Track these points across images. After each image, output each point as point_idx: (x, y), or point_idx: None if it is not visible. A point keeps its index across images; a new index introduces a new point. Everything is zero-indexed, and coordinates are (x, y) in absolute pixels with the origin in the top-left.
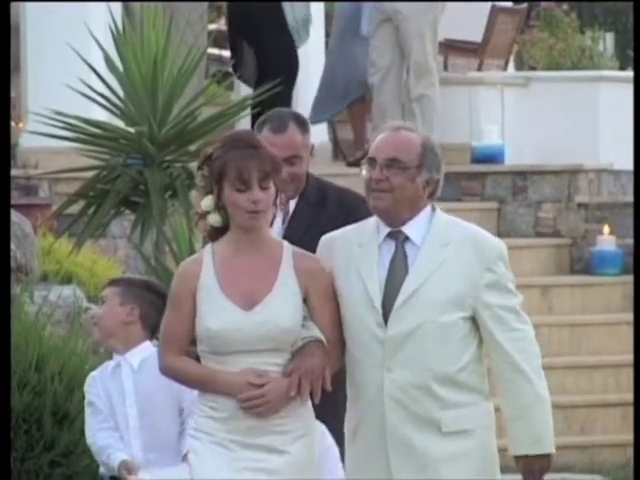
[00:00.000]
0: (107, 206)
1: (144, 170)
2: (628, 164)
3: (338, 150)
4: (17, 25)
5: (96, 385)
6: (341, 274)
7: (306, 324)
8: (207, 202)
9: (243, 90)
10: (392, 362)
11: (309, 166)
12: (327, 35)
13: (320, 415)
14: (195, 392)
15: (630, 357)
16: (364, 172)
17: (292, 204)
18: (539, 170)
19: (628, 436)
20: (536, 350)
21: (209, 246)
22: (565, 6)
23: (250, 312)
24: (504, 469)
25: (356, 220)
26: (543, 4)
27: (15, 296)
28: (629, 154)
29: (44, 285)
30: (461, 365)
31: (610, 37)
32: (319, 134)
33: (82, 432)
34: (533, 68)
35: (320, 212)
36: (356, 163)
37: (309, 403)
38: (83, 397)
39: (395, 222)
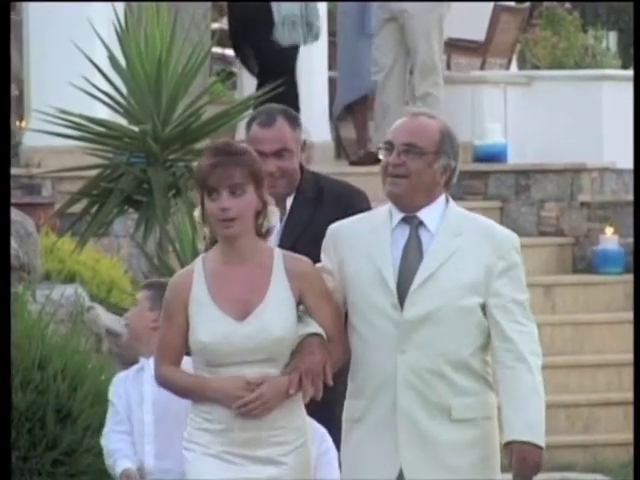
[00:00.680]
0: (110, 205)
1: (147, 169)
2: (631, 163)
3: (341, 149)
4: (20, 22)
5: (120, 385)
6: (350, 260)
7: (304, 319)
8: (196, 213)
9: (247, 89)
10: (406, 344)
11: (310, 164)
12: (330, 34)
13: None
14: None
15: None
16: (381, 156)
17: (289, 201)
18: (542, 169)
19: (631, 435)
20: (539, 350)
21: (201, 257)
22: (568, 5)
23: (243, 323)
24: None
25: (354, 213)
26: (546, 3)
27: (18, 295)
28: (632, 153)
29: (47, 284)
30: (473, 350)
31: (613, 36)
32: (322, 133)
33: (85, 431)
34: (536, 67)
35: (317, 207)
36: (359, 162)
37: (304, 412)
38: (86, 396)
39: (410, 208)
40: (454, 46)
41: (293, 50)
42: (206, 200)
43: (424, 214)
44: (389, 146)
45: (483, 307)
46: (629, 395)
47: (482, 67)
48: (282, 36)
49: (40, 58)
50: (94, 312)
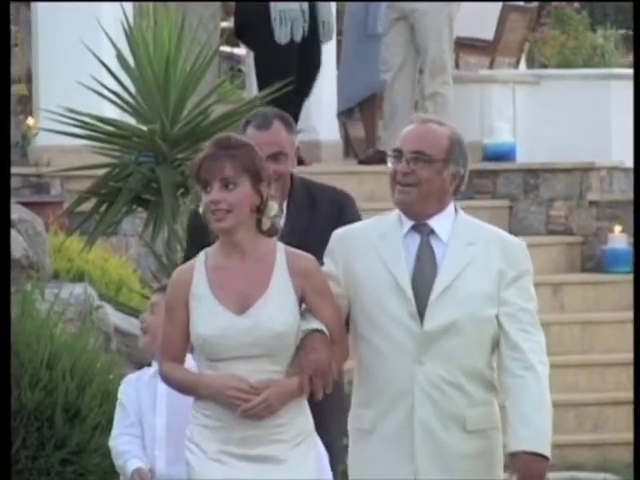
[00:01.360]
0: (119, 204)
1: (156, 168)
2: None
3: (349, 148)
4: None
5: (131, 387)
6: (362, 264)
7: (306, 316)
8: (200, 208)
9: (255, 88)
10: (425, 355)
11: (320, 163)
12: (338, 33)
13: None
14: None
15: None
16: (390, 164)
17: (283, 207)
18: (551, 168)
19: None
20: (546, 359)
21: (203, 252)
22: (576, 4)
23: (242, 316)
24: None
25: (346, 217)
26: (554, 2)
27: (26, 294)
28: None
29: (55, 283)
30: (487, 360)
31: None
32: (331, 132)
33: (94, 430)
34: (544, 66)
35: (312, 214)
36: (367, 161)
37: (307, 409)
38: (94, 395)
39: (421, 216)
40: (463, 45)
41: (288, 47)
42: (202, 193)
43: (435, 222)
44: (398, 154)
45: (497, 317)
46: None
47: (491, 66)
48: (277, 33)
49: (49, 58)
50: (103, 311)
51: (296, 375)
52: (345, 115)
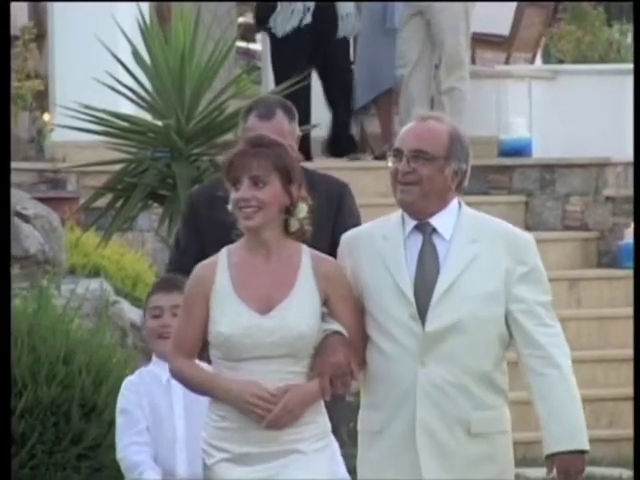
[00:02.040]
0: (135, 199)
1: (172, 163)
2: None
3: (365, 143)
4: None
5: (136, 392)
6: (367, 268)
7: (326, 318)
8: (229, 205)
9: (271, 83)
10: (427, 357)
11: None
12: None
13: None
14: None
15: None
16: (390, 163)
17: None
18: (567, 163)
19: None
20: (568, 350)
21: (225, 249)
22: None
23: (265, 317)
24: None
25: (345, 207)
26: None
27: (43, 289)
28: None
29: (72, 278)
30: (495, 362)
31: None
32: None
33: (110, 425)
34: (561, 61)
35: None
36: (383, 156)
37: (324, 409)
38: (111, 390)
39: (423, 215)
40: (479, 41)
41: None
42: (231, 190)
43: (437, 220)
44: (397, 153)
45: (504, 316)
46: None
47: (507, 61)
48: (275, 25)
49: (64, 54)
50: (119, 306)
51: (315, 378)
52: (361, 110)
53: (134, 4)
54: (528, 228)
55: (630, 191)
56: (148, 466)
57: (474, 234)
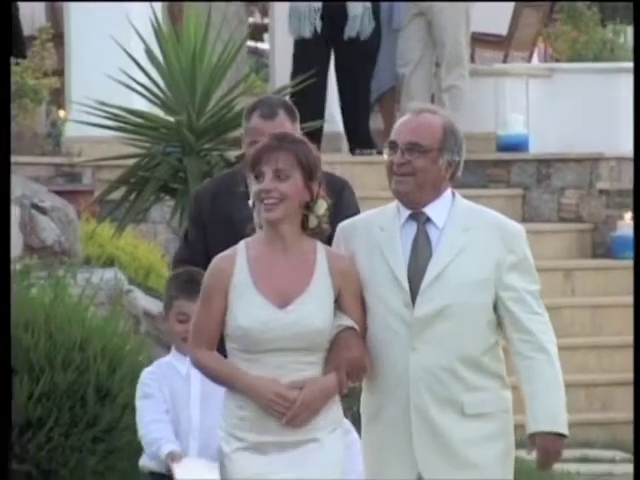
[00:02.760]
0: (147, 192)
1: (183, 158)
2: None
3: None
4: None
5: (157, 381)
6: (364, 257)
7: (336, 312)
8: (250, 200)
9: (279, 81)
10: (418, 342)
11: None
12: None
13: None
14: None
15: None
16: (385, 156)
17: None
18: (562, 158)
19: None
20: (554, 338)
21: (244, 242)
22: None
23: (282, 311)
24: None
25: (343, 201)
26: None
27: (59, 279)
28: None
29: (87, 268)
30: (485, 348)
31: (631, 30)
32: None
33: (124, 409)
34: (557, 60)
35: None
36: None
37: (337, 398)
38: (124, 376)
39: (417, 205)
40: (478, 40)
41: (299, 44)
42: (253, 183)
43: (430, 210)
44: (393, 145)
45: (493, 303)
46: None
47: (505, 60)
48: (288, 27)
49: (81, 53)
50: (132, 295)
51: (330, 372)
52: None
53: (147, 5)
54: (525, 220)
55: (623, 184)
56: (167, 440)
57: (466, 223)
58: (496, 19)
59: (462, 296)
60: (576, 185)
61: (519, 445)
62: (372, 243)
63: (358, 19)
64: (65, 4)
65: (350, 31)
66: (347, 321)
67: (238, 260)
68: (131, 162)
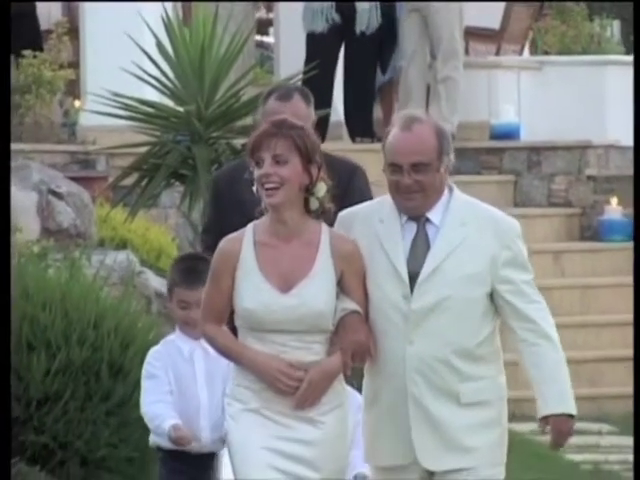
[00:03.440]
0: (158, 179)
1: (192, 146)
2: (632, 140)
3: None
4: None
5: (162, 360)
6: (364, 247)
7: (339, 295)
8: (254, 187)
9: (283, 73)
10: (414, 335)
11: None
12: None
13: None
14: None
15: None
16: (388, 176)
17: None
18: (552, 146)
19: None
20: (553, 321)
21: (252, 224)
22: None
23: (285, 295)
24: (519, 418)
25: (355, 185)
26: None
27: (74, 260)
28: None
29: (101, 250)
30: (480, 340)
31: (617, 24)
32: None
33: (135, 385)
34: (547, 53)
35: None
36: None
37: (341, 376)
38: (136, 353)
39: (422, 213)
40: (472, 34)
41: (310, 37)
42: (255, 169)
43: (430, 212)
44: (396, 168)
45: (488, 296)
46: (631, 352)
47: (497, 53)
48: (303, 22)
49: (95, 46)
50: (144, 276)
51: (336, 354)
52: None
53: (159, 4)
54: (516, 205)
55: (610, 171)
56: (168, 415)
57: (463, 218)
58: (489, 14)
59: (458, 290)
60: (565, 172)
61: (512, 419)
62: (372, 234)
63: (366, 13)
64: (81, 3)
65: (360, 25)
66: (352, 305)
67: (245, 242)
68: (143, 150)
